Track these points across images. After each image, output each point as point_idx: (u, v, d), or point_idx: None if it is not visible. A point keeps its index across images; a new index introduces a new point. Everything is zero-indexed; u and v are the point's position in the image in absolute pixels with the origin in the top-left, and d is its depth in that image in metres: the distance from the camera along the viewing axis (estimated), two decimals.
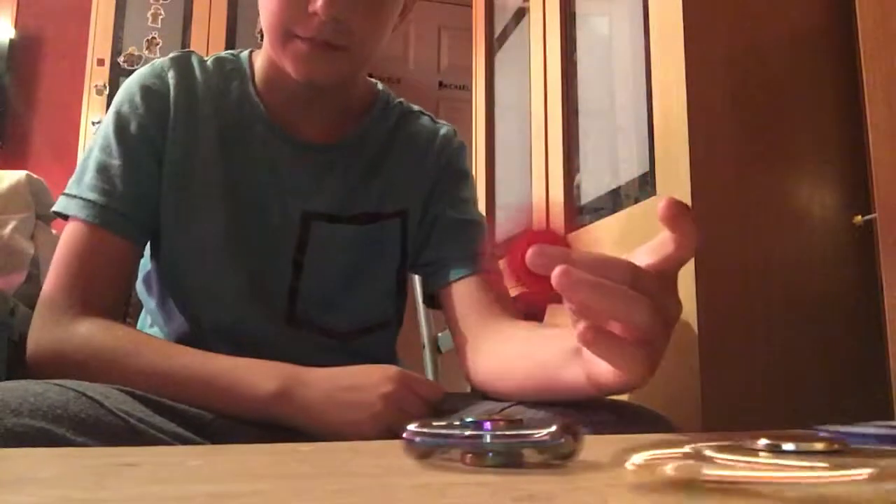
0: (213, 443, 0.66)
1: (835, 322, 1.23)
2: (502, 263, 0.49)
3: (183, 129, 0.86)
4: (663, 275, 0.49)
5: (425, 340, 1.61)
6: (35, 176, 1.70)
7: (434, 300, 0.96)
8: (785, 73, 1.30)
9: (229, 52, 0.96)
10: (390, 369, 0.74)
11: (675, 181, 1.28)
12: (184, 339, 0.83)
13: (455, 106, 3.51)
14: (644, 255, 0.49)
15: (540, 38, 2.05)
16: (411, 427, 0.39)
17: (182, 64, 0.90)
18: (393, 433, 0.65)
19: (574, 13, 1.94)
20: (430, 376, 1.60)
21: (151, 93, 0.87)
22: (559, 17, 1.94)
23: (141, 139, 0.85)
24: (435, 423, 0.40)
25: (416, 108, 1.02)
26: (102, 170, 0.83)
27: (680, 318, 1.18)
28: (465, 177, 1.00)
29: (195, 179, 0.85)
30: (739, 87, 1.28)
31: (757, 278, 1.23)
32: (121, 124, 0.85)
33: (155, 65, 0.90)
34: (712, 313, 1.20)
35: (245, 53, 0.95)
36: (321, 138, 0.92)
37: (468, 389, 1.26)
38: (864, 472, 0.23)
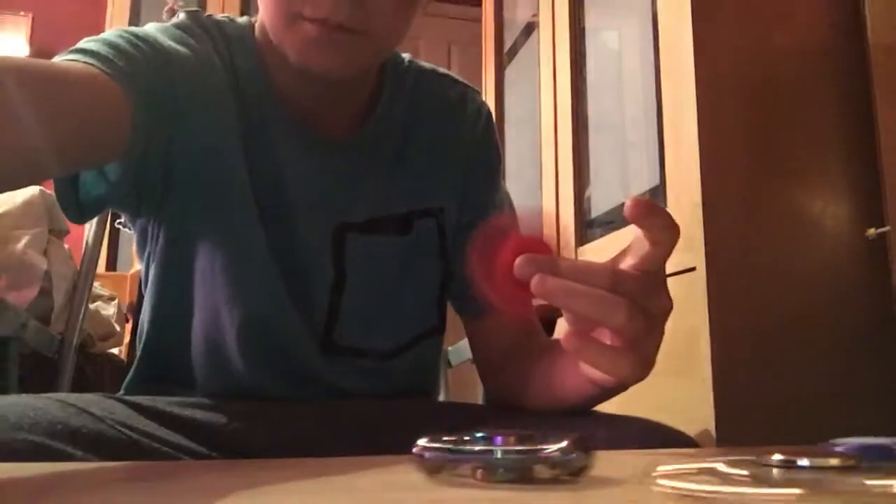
0: (223, 454, 0.65)
1: (848, 335, 1.22)
2: (481, 272, 0.50)
3: (200, 136, 0.72)
4: (646, 274, 0.50)
5: None
6: (48, 191, 1.72)
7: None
8: (794, 87, 1.29)
9: (225, 15, 0.80)
10: None
11: (686, 194, 1.28)
12: (221, 373, 0.75)
13: None
14: (626, 258, 0.51)
15: (549, 53, 2.05)
16: (421, 442, 0.39)
17: (203, 25, 0.76)
18: None
19: (583, 28, 1.95)
20: (440, 389, 1.59)
21: (184, 57, 0.71)
22: (569, 31, 1.95)
23: (160, 71, 0.68)
24: (445, 438, 0.40)
25: (427, 66, 0.88)
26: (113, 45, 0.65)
27: (692, 331, 1.18)
28: (498, 158, 0.90)
29: (224, 200, 0.73)
30: (749, 100, 1.27)
31: (769, 291, 1.22)
32: (150, 37, 0.69)
33: (180, 25, 0.75)
34: (724, 326, 1.19)
35: (244, 21, 0.80)
36: (342, 132, 0.79)
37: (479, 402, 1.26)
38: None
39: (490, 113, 0.90)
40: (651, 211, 0.48)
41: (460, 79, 0.89)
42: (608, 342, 0.51)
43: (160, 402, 0.67)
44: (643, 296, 0.49)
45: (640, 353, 0.50)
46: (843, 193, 1.27)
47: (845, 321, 1.23)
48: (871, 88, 1.03)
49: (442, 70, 0.88)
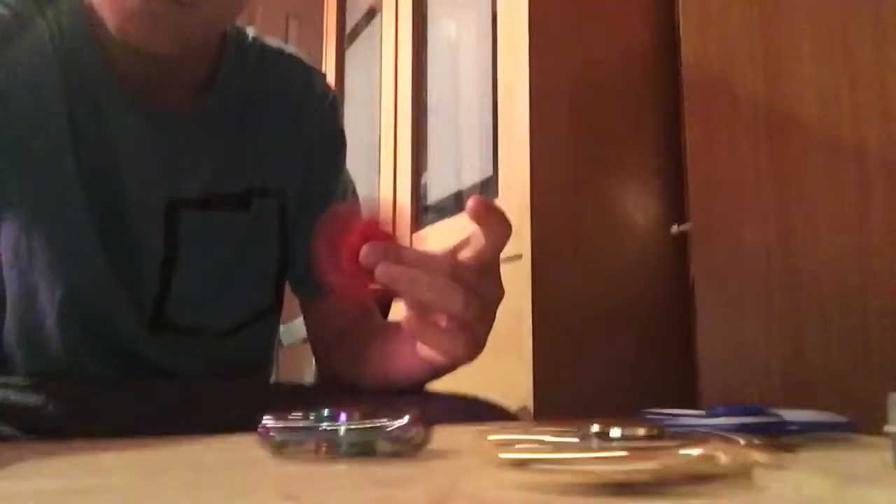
0: (40, 438, 0.62)
1: (652, 321, 1.35)
2: (325, 256, 0.53)
3: (28, 98, 0.67)
4: (481, 264, 0.54)
5: None
6: None
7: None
8: (617, 89, 1.40)
9: None
10: None
11: (516, 187, 1.35)
12: (39, 352, 0.72)
13: None
14: (464, 249, 0.55)
15: (392, 37, 2.07)
16: (266, 420, 0.40)
17: None
18: None
19: (425, 15, 1.98)
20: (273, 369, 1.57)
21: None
22: (411, 17, 1.98)
23: None
24: (290, 417, 0.41)
25: (273, 43, 0.85)
26: None
27: (516, 314, 1.25)
28: (342, 143, 0.89)
29: (43, 167, 0.69)
30: (577, 99, 1.37)
31: (586, 279, 1.32)
32: None
33: None
34: (545, 310, 1.28)
35: None
36: (178, 107, 0.75)
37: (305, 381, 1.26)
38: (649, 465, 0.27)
39: (335, 98, 0.89)
40: (489, 210, 0.52)
41: (307, 60, 0.88)
42: (444, 325, 0.54)
43: None
44: (478, 284, 0.53)
45: (473, 336, 0.55)
46: (655, 192, 1.40)
47: (650, 308, 1.36)
48: (681, 103, 1.15)
49: (289, 50, 0.86)
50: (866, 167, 0.86)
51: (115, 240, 0.71)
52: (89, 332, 0.72)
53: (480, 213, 0.52)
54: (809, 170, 0.94)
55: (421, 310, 0.54)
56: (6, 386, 0.65)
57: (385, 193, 2.00)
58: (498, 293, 0.56)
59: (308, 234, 0.75)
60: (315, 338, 0.89)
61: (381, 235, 0.53)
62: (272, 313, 0.85)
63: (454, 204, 1.76)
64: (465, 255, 0.55)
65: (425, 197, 1.91)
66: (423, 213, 1.90)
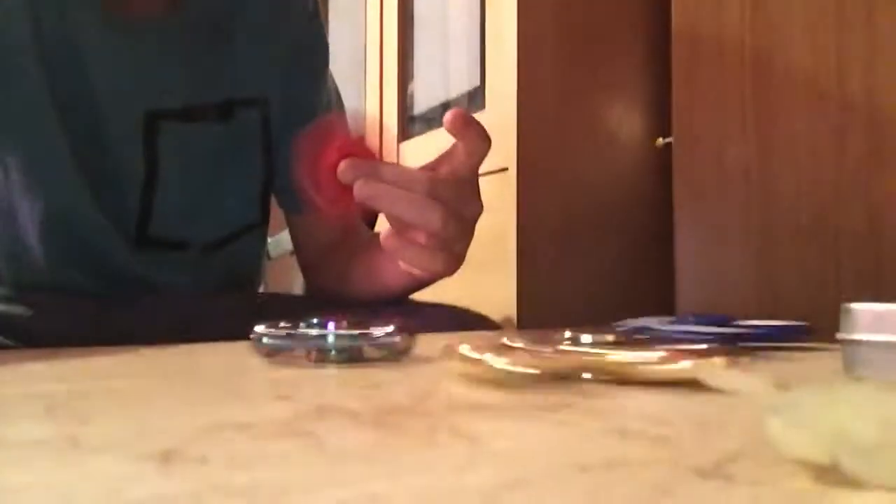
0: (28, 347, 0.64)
1: (637, 232, 1.38)
2: (306, 172, 0.54)
3: None
4: (461, 180, 0.55)
5: None
6: None
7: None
8: (606, 3, 1.38)
9: None
10: None
11: (503, 98, 1.34)
12: (23, 266, 0.73)
13: None
14: (442, 164, 0.56)
15: None
16: (258, 328, 0.42)
17: None
18: None
19: None
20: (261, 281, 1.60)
21: None
22: None
23: None
24: (281, 325, 0.43)
25: None
26: None
27: (501, 227, 1.27)
28: (324, 51, 0.88)
29: (10, 86, 0.68)
30: (566, 12, 1.34)
31: (571, 192, 1.34)
32: None
33: None
34: (530, 223, 1.30)
35: None
36: (151, 15, 0.73)
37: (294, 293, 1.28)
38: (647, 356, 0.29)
39: (318, 9, 0.88)
40: (467, 124, 0.53)
41: None
42: (423, 241, 0.55)
43: None
44: (457, 200, 0.54)
45: (451, 252, 0.56)
46: (640, 107, 1.40)
47: (634, 221, 1.38)
48: (670, 19, 1.13)
49: None
50: (848, 106, 0.86)
51: (93, 157, 0.71)
52: (72, 250, 0.72)
53: (458, 126, 0.53)
54: (791, 102, 0.94)
55: (400, 226, 0.55)
56: None
57: (371, 104, 1.98)
58: (477, 209, 0.57)
59: (291, 146, 0.73)
60: (301, 252, 0.91)
61: (361, 151, 0.53)
62: (258, 227, 0.85)
63: (441, 115, 1.75)
64: (443, 170, 0.55)
65: (412, 107, 1.89)
66: (410, 123, 1.89)
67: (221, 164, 0.78)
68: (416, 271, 0.61)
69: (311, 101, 0.85)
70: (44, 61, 0.68)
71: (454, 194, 0.54)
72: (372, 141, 0.57)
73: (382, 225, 1.12)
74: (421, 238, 0.55)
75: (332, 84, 0.90)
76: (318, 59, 0.87)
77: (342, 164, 0.51)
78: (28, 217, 0.70)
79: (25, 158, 0.69)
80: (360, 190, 0.51)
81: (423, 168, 0.56)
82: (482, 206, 0.57)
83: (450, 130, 0.53)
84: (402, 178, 0.53)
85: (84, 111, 0.70)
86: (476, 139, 0.54)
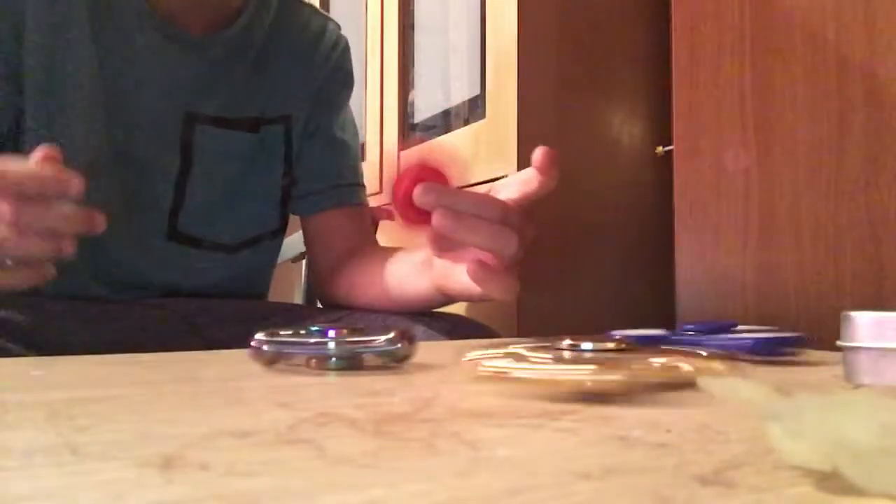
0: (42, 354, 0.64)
1: (637, 241, 1.38)
2: (392, 197, 0.56)
3: (47, 25, 0.73)
4: (523, 207, 0.58)
5: None
6: None
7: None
8: (608, 11, 1.38)
9: None
10: None
11: (503, 106, 1.35)
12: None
13: None
14: (511, 188, 0.58)
15: None
16: (258, 336, 0.42)
17: None
18: None
19: None
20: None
21: None
22: None
23: None
24: (281, 332, 0.43)
25: None
26: None
27: None
28: (349, 84, 0.97)
29: (67, 82, 0.74)
30: (567, 19, 1.35)
31: (572, 200, 1.34)
32: None
33: None
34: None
35: None
36: (202, 30, 0.81)
37: (295, 301, 1.29)
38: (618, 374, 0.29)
39: (347, 45, 0.97)
40: (554, 163, 0.57)
41: (322, 11, 0.96)
42: (493, 265, 0.56)
43: None
44: (523, 227, 0.56)
45: (516, 275, 0.58)
46: (640, 114, 1.40)
47: (634, 230, 1.38)
48: (670, 26, 1.14)
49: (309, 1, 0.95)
50: (848, 95, 0.87)
51: (130, 148, 0.77)
52: (107, 248, 0.75)
53: (546, 165, 0.56)
54: (791, 94, 0.94)
55: (467, 250, 0.56)
56: (8, 306, 0.67)
57: (372, 112, 1.99)
58: (532, 234, 0.59)
59: (309, 161, 0.89)
60: (317, 261, 0.93)
61: (438, 177, 0.56)
62: (276, 234, 0.91)
63: (441, 122, 1.76)
64: (509, 193, 0.57)
65: (412, 115, 1.90)
66: (411, 131, 1.89)
67: (247, 166, 0.85)
68: (477, 291, 0.61)
69: (331, 124, 0.92)
70: (99, 62, 0.75)
71: (521, 221, 0.56)
72: (450, 167, 0.59)
73: (382, 227, 1.12)
74: (490, 261, 0.56)
75: (351, 114, 0.98)
76: (343, 88, 0.96)
77: (417, 189, 0.53)
78: None
79: (69, 147, 0.70)
80: (439, 221, 0.53)
81: (494, 196, 0.58)
82: (535, 231, 0.59)
83: (538, 166, 0.56)
84: (478, 205, 0.54)
85: (130, 106, 0.77)
86: (554, 179, 0.57)
